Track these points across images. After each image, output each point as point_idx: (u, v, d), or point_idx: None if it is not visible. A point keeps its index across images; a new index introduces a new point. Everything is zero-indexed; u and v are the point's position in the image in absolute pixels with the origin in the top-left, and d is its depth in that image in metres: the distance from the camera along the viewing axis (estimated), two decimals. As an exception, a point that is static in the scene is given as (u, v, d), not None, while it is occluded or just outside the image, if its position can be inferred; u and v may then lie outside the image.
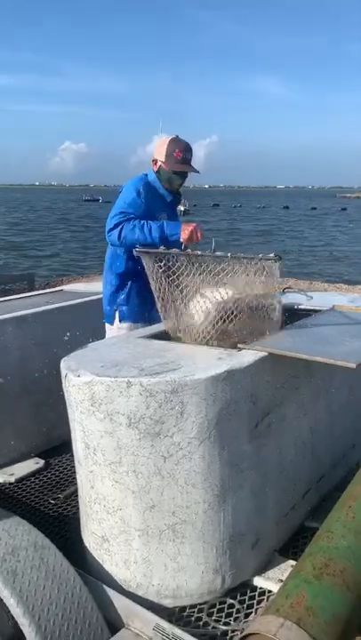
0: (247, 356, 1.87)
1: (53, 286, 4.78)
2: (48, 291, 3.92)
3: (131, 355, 1.96)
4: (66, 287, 3.91)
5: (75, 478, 2.01)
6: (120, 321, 2.78)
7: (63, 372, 1.85)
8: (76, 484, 2.00)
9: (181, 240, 2.49)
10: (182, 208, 58.93)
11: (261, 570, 1.95)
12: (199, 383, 1.68)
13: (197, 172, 2.76)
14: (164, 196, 2.76)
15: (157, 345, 2.09)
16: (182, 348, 2.04)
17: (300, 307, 2.74)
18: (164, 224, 2.53)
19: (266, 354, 1.89)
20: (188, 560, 1.79)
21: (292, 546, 2.10)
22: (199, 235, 2.51)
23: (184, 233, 2.49)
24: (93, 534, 1.88)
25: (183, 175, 2.74)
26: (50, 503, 2.51)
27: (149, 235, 2.50)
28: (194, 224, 2.53)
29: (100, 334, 2.76)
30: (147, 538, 1.78)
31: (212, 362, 1.81)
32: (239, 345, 1.96)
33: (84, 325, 2.91)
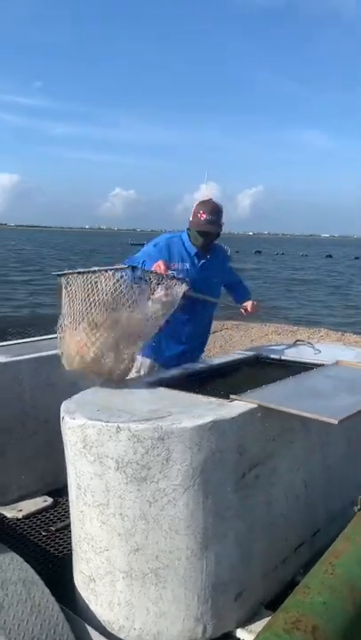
0: (237, 406, 1.94)
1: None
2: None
3: (128, 400, 2.06)
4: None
5: (71, 517, 2.09)
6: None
7: (62, 413, 1.96)
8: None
9: None
10: (224, 254, 59.40)
11: (246, 622, 1.96)
12: (185, 431, 1.76)
13: (217, 232, 3.05)
14: (189, 249, 3.07)
15: (156, 391, 2.19)
16: (179, 396, 2.13)
17: (303, 360, 2.79)
18: (146, 264, 2.79)
19: (256, 405, 1.96)
20: (169, 606, 1.83)
21: (282, 600, 2.10)
22: (162, 267, 2.76)
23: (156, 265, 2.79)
24: (82, 573, 1.95)
25: (205, 234, 3.02)
26: (50, 540, 2.59)
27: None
28: (160, 261, 2.81)
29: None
30: (130, 580, 1.83)
31: (200, 411, 1.89)
32: (231, 396, 2.04)
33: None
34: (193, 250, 3.07)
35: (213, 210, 2.99)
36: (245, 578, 1.96)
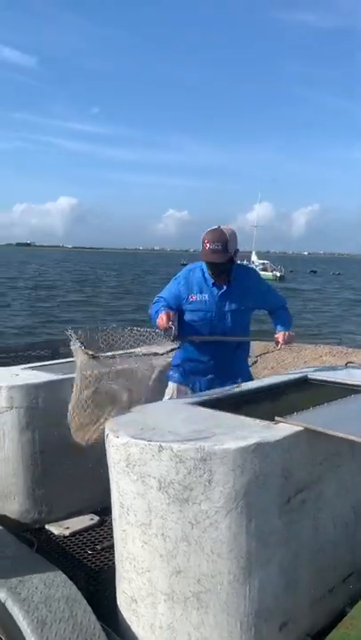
0: (282, 429, 1.90)
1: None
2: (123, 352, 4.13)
3: (171, 420, 2.06)
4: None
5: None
6: (167, 380, 3.14)
7: (106, 431, 1.98)
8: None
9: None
10: (278, 274, 59.28)
11: (291, 653, 1.90)
12: (228, 453, 1.74)
13: (224, 261, 2.97)
14: (208, 279, 3.09)
15: (200, 412, 2.18)
16: (223, 417, 2.11)
17: (353, 382, 2.71)
18: (159, 311, 2.97)
19: (302, 428, 1.92)
20: (211, 631, 1.80)
21: (329, 632, 2.02)
22: (163, 320, 2.86)
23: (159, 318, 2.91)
24: (124, 593, 1.94)
25: (213, 264, 3.00)
26: (95, 558, 2.60)
27: (152, 317, 3.04)
28: (163, 313, 2.89)
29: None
30: (172, 603, 1.81)
31: (244, 432, 1.87)
32: (276, 417, 2.01)
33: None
34: (210, 280, 3.08)
35: (217, 238, 2.95)
36: (291, 607, 1.90)
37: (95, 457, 2.94)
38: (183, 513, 1.77)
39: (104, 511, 3.02)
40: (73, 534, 2.83)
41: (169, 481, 1.77)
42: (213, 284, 3.08)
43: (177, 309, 3.07)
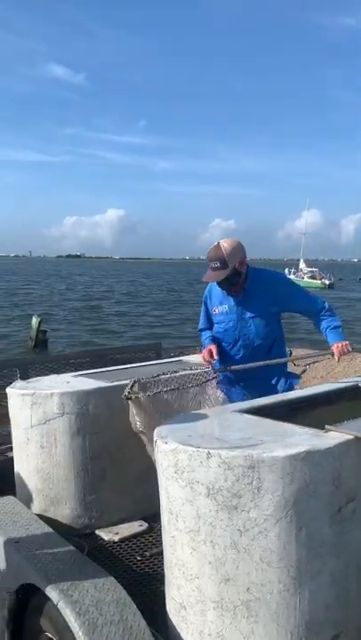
0: (333, 437, 1.88)
1: (178, 355, 5.07)
2: (168, 360, 4.17)
3: (220, 427, 2.07)
4: (185, 358, 4.13)
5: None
6: None
7: (155, 438, 2.01)
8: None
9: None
10: (327, 282, 58.18)
11: (343, 667, 1.86)
12: (276, 461, 1.73)
13: (225, 277, 3.04)
14: (224, 291, 3.20)
15: (247, 419, 2.17)
16: (272, 424, 2.10)
17: None
18: (204, 344, 3.29)
19: (352, 437, 1.89)
20: (261, 641, 1.78)
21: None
22: (206, 356, 3.16)
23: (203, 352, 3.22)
24: (173, 599, 1.95)
25: (221, 280, 3.08)
26: (144, 565, 2.62)
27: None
28: (206, 349, 3.18)
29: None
30: (221, 611, 1.81)
31: (293, 440, 1.85)
32: (326, 426, 1.98)
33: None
34: (225, 292, 3.18)
35: (214, 256, 3.02)
36: (342, 619, 1.86)
37: (144, 463, 2.97)
38: (232, 520, 1.77)
39: (153, 518, 3.03)
40: (122, 540, 2.86)
41: (217, 488, 1.77)
42: (229, 294, 3.17)
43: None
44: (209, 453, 1.78)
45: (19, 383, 3.20)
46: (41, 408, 2.93)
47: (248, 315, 3.14)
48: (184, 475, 1.83)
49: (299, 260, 75.55)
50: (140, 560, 2.68)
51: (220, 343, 3.26)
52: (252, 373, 3.12)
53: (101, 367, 4.22)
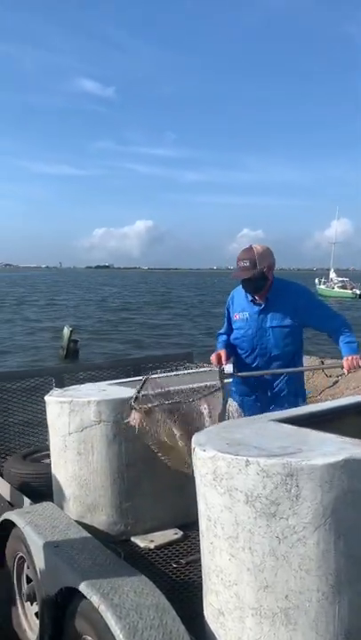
0: (371, 446, 1.88)
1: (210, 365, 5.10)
2: (200, 370, 4.20)
3: (257, 435, 2.09)
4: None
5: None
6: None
7: (193, 445, 2.04)
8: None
9: None
10: (358, 292, 57.29)
11: None
12: (315, 469, 1.75)
13: (251, 276, 3.06)
14: (248, 297, 3.20)
15: (284, 428, 2.19)
16: (309, 433, 2.11)
17: None
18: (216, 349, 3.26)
19: (391, 446, 1.89)
20: (300, 650, 1.79)
21: None
22: (214, 360, 3.13)
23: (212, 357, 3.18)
24: (211, 606, 1.97)
25: (243, 282, 3.12)
26: (180, 572, 2.64)
27: None
28: (215, 353, 3.15)
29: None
30: (260, 618, 1.82)
31: (332, 449, 1.86)
32: (364, 434, 1.99)
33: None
34: (249, 297, 3.18)
35: (245, 256, 3.07)
36: (382, 629, 1.85)
37: (179, 472, 3.01)
38: (270, 527, 1.78)
39: (187, 526, 3.06)
40: (158, 547, 2.89)
41: (256, 495, 1.79)
42: (252, 302, 3.16)
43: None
44: (248, 461, 1.80)
45: (56, 391, 3.28)
46: (78, 415, 2.99)
47: (268, 324, 3.12)
48: (223, 482, 1.85)
49: (329, 270, 74.71)
50: (175, 567, 2.71)
51: (232, 349, 3.25)
52: (265, 385, 3.13)
53: (134, 376, 4.29)
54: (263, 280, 3.09)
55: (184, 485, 3.03)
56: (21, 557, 2.72)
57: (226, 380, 3.02)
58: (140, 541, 2.94)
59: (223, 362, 3.10)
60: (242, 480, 1.81)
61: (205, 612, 2.03)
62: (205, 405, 2.77)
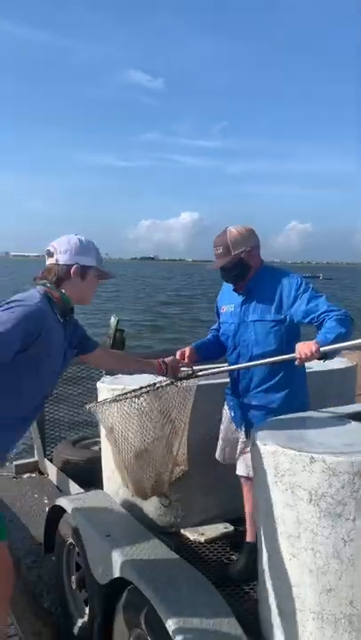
0: None
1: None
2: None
3: (320, 431, 1.99)
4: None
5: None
6: None
7: (252, 439, 1.96)
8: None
9: None
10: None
11: None
12: (385, 469, 1.64)
13: (222, 265, 2.62)
14: (232, 289, 2.76)
15: (349, 425, 2.08)
16: (375, 431, 2.00)
17: None
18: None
19: None
20: (364, 659, 1.69)
21: None
22: (177, 356, 2.69)
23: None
24: (268, 606, 1.89)
25: (221, 270, 2.66)
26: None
27: None
28: (180, 352, 2.70)
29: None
30: (321, 622, 1.73)
31: None
32: None
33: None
34: (233, 289, 2.74)
35: (218, 241, 2.64)
36: None
37: (231, 465, 2.93)
38: (335, 529, 1.69)
39: (237, 521, 2.99)
40: (208, 541, 2.83)
41: (320, 494, 1.69)
42: (235, 292, 2.73)
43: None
44: (312, 458, 1.71)
45: (108, 378, 3.25)
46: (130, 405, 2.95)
47: (250, 318, 2.62)
48: (284, 478, 1.77)
49: (379, 264, 72.71)
50: (227, 563, 2.64)
51: (211, 348, 2.86)
52: (250, 387, 2.65)
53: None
54: (241, 268, 2.62)
55: (234, 479, 2.97)
56: (71, 544, 2.71)
57: (189, 382, 2.58)
58: (190, 534, 2.89)
59: (186, 359, 2.66)
60: (306, 477, 1.72)
61: (262, 613, 1.96)
62: (157, 404, 2.45)
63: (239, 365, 2.60)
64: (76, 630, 2.59)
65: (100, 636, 2.30)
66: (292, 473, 1.75)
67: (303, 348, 2.25)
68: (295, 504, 1.75)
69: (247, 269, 2.63)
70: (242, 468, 2.63)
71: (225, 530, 2.91)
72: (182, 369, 2.64)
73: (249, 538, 2.57)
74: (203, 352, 2.81)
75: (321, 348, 2.21)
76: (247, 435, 2.57)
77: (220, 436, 2.84)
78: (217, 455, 2.86)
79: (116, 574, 2.13)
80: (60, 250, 2.16)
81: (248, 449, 2.52)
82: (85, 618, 2.54)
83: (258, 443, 1.88)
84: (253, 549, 2.23)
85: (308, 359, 2.24)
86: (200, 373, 2.64)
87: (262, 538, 1.91)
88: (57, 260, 2.15)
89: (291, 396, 2.56)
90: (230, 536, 2.88)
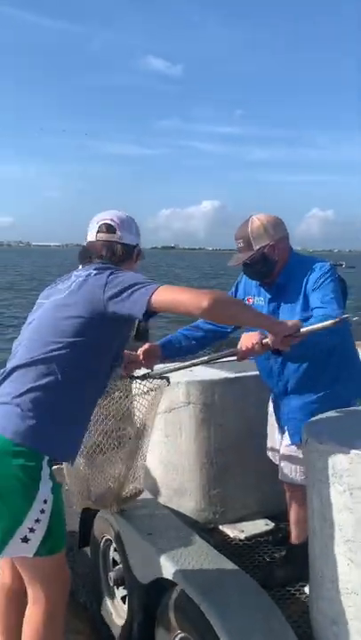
0: None
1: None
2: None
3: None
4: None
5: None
6: None
7: (304, 436, 1.85)
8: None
9: None
10: None
11: None
12: None
13: (243, 261, 2.37)
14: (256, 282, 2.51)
15: None
16: None
17: None
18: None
19: None
20: None
21: None
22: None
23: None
24: (321, 613, 1.79)
25: (243, 266, 2.41)
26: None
27: None
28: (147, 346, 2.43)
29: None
30: (381, 632, 1.63)
31: None
32: None
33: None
34: (257, 283, 2.49)
35: (239, 234, 2.38)
36: None
37: (272, 460, 2.82)
38: None
39: (278, 517, 2.89)
40: (248, 538, 2.74)
41: (383, 496, 1.58)
42: (261, 286, 2.48)
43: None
44: (375, 457, 1.59)
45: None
46: (166, 396, 2.85)
47: (281, 315, 2.34)
48: (343, 479, 1.65)
49: None
50: (270, 562, 2.55)
51: (178, 342, 2.58)
52: (284, 387, 2.45)
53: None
54: (265, 263, 2.34)
55: (275, 474, 2.86)
56: (108, 540, 2.64)
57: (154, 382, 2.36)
58: (230, 531, 2.80)
59: (141, 358, 2.43)
60: (367, 478, 1.60)
61: (314, 619, 1.85)
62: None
63: (183, 364, 2.34)
64: (113, 628, 2.53)
65: (141, 636, 2.23)
66: (351, 473, 1.63)
67: (245, 339, 1.99)
68: (354, 507, 1.63)
69: (272, 265, 2.35)
70: (286, 474, 2.47)
71: (266, 527, 2.82)
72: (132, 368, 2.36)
73: (295, 540, 2.45)
74: (171, 349, 2.55)
75: (265, 340, 1.91)
76: (291, 439, 2.43)
77: (268, 432, 2.71)
78: (268, 452, 2.72)
79: (160, 574, 2.04)
80: (124, 226, 1.99)
81: (292, 454, 2.41)
82: (123, 616, 2.47)
83: (312, 441, 1.77)
84: (300, 552, 2.13)
85: (252, 353, 1.97)
86: (152, 373, 2.36)
87: (316, 542, 1.80)
88: (120, 238, 1.98)
89: (334, 396, 2.33)
90: (272, 533, 2.79)
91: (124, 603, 2.51)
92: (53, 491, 1.79)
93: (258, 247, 2.33)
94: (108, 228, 1.98)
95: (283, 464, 2.49)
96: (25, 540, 1.73)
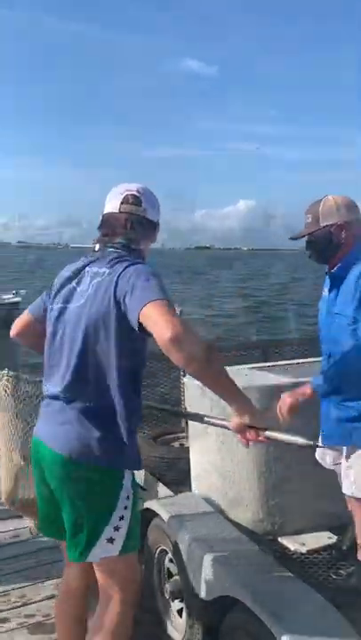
0: None
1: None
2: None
3: None
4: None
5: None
6: None
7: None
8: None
9: None
10: None
11: None
12: None
13: (305, 234, 2.23)
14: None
15: None
16: None
17: None
18: None
19: None
20: None
21: None
22: None
23: None
24: None
25: (306, 242, 2.25)
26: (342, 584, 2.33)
27: None
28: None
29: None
30: None
31: None
32: None
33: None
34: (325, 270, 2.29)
35: (309, 209, 2.24)
36: None
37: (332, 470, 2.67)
38: None
39: (340, 529, 2.72)
40: (310, 552, 2.58)
41: None
42: (327, 275, 2.29)
43: None
44: None
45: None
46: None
47: (334, 310, 2.18)
48: None
49: None
50: (335, 579, 2.39)
51: None
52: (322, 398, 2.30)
53: (264, 361, 4.02)
54: (328, 243, 2.18)
55: (337, 484, 2.70)
56: (163, 550, 2.54)
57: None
58: (290, 543, 2.65)
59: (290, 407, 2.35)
60: None
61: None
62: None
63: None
64: (170, 643, 2.43)
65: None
66: None
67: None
68: None
69: (335, 247, 2.18)
70: (347, 486, 2.31)
71: (329, 540, 2.66)
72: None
73: None
74: None
75: (266, 433, 1.79)
76: (348, 452, 2.28)
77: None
78: (317, 455, 2.59)
79: (224, 592, 1.93)
80: (148, 200, 1.82)
81: (350, 466, 2.27)
82: (181, 630, 2.36)
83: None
84: None
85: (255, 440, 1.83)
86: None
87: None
88: (145, 211, 1.80)
89: None
90: (335, 547, 2.63)
91: (180, 616, 2.40)
92: (133, 485, 1.76)
93: (325, 224, 2.18)
94: (135, 200, 1.80)
95: (344, 475, 2.35)
96: (110, 540, 1.69)
